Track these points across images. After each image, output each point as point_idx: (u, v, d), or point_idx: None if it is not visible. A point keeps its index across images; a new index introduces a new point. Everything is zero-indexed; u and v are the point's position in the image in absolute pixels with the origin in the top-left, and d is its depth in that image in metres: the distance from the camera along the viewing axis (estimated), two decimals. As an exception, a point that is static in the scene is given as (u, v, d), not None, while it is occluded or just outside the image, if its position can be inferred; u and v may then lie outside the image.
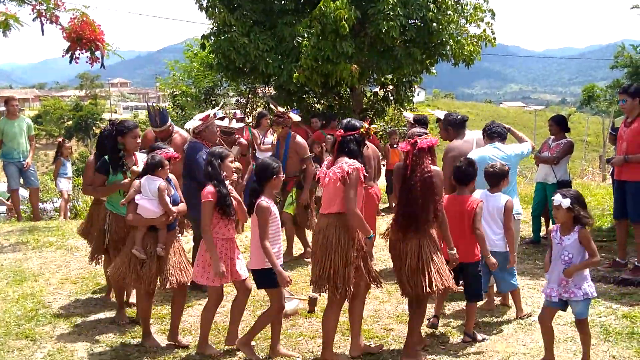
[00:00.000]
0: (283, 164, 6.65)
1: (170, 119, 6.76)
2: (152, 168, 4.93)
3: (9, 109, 9.92)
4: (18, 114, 10.20)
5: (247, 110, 16.67)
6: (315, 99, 14.35)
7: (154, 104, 6.64)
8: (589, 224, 4.42)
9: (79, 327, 5.50)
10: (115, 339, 5.23)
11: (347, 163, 4.43)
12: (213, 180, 4.74)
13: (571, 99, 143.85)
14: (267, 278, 4.65)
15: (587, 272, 4.54)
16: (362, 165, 4.49)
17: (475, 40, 12.65)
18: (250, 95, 17.23)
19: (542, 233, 8.46)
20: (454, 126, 6.49)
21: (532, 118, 53.69)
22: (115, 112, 74.78)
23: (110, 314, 5.76)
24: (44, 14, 8.76)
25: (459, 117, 6.58)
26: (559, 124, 7.99)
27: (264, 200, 4.61)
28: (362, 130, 4.61)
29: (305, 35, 11.63)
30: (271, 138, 10.35)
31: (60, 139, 11.83)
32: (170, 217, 4.95)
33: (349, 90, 13.39)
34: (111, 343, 5.15)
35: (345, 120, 4.73)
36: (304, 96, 13.78)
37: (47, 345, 5.12)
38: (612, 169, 7.57)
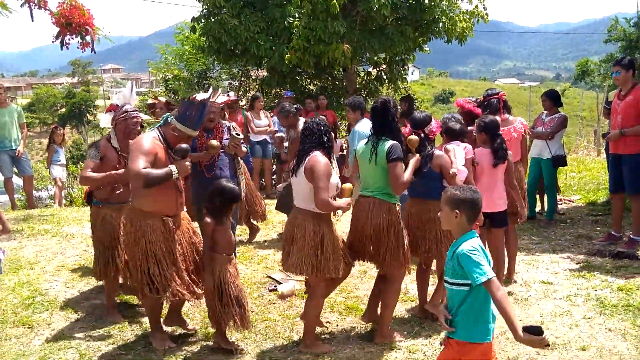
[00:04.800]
0: None
1: None
2: (461, 134, 5.17)
3: None
4: (8, 102, 10.10)
5: (240, 92, 16.56)
6: (308, 80, 14.26)
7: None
8: None
9: (76, 313, 5.49)
10: (112, 324, 5.23)
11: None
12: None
13: (565, 75, 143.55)
14: (505, 217, 5.64)
15: None
16: None
17: (468, 16, 12.54)
18: (243, 78, 17.11)
19: (538, 209, 8.48)
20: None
21: (527, 94, 53.59)
22: (109, 99, 74.32)
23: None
24: (32, -1, 8.66)
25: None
26: (552, 99, 7.96)
27: (510, 155, 5.54)
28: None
29: (296, 15, 11.53)
30: (265, 120, 10.34)
31: (53, 126, 11.75)
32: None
33: (342, 70, 13.31)
34: (109, 329, 5.15)
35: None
36: (297, 77, 13.70)
37: (45, 332, 5.12)
38: (606, 143, 7.57)
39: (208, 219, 4.58)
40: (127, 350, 4.75)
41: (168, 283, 4.48)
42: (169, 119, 4.60)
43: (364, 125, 6.77)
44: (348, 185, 4.55)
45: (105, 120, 5.29)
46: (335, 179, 4.50)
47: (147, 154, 4.32)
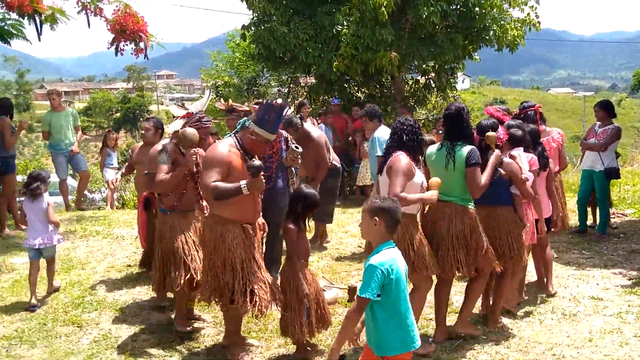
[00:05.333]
0: None
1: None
2: (522, 141, 5.25)
3: (51, 103, 10.17)
4: (63, 106, 10.42)
5: (289, 99, 16.68)
6: (356, 88, 14.26)
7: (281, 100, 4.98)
8: None
9: (123, 313, 5.62)
10: (159, 326, 5.33)
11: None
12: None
13: (622, 85, 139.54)
14: (548, 224, 5.65)
15: None
16: None
17: (519, 24, 12.32)
18: (292, 85, 17.23)
19: (589, 222, 8.25)
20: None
21: (581, 104, 52.35)
22: (162, 104, 76.02)
23: (153, 301, 5.86)
24: (88, 6, 8.95)
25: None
26: (606, 110, 7.74)
27: (551, 163, 5.70)
28: None
29: (345, 23, 11.54)
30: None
31: (106, 131, 12.07)
32: None
33: (390, 78, 13.25)
34: (155, 329, 5.25)
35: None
36: (345, 85, 13.72)
37: (93, 331, 5.26)
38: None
39: (292, 226, 4.54)
40: (171, 351, 4.83)
41: (248, 292, 4.33)
42: (247, 123, 4.49)
43: (382, 132, 7.03)
44: (436, 179, 4.55)
45: (175, 125, 5.21)
46: (419, 178, 4.55)
47: (220, 165, 4.27)
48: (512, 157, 5.01)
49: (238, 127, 4.58)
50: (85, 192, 12.63)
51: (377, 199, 3.42)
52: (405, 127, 4.62)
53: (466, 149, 4.61)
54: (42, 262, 6.06)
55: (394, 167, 4.46)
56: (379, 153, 6.83)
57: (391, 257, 3.27)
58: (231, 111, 6.98)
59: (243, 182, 4.21)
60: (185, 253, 4.96)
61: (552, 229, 5.78)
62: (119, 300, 5.97)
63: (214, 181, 4.21)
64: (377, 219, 3.33)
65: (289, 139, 6.17)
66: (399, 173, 4.41)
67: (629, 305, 5.45)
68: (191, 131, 4.93)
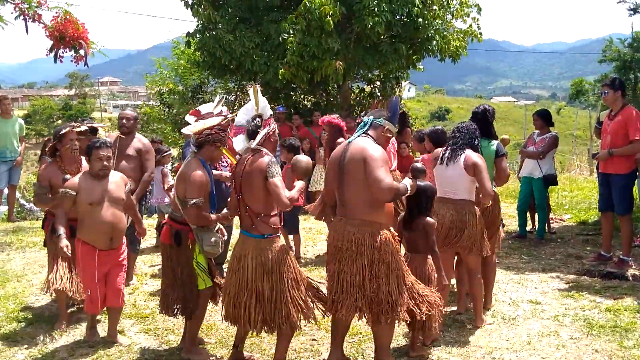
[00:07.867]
0: None
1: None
2: None
3: (2, 108, 9.81)
4: (12, 113, 10.09)
5: (235, 107, 16.59)
6: (302, 96, 14.30)
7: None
8: None
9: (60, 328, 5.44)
10: (97, 340, 5.18)
11: None
12: None
13: (561, 94, 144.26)
14: None
15: None
16: None
17: (462, 35, 12.64)
18: (238, 93, 17.16)
19: (529, 227, 8.48)
20: None
21: (523, 113, 53.77)
22: (105, 111, 74.45)
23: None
24: (26, 12, 8.69)
25: None
26: (544, 118, 8.00)
27: None
28: None
29: (291, 31, 11.58)
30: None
31: (45, 139, 11.72)
32: None
33: (336, 86, 13.35)
34: (92, 343, 5.10)
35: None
36: (291, 93, 13.73)
37: (28, 346, 5.07)
38: (597, 162, 7.59)
39: (432, 220, 4.71)
40: (110, 366, 4.71)
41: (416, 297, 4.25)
42: (380, 122, 4.28)
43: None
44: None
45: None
46: None
47: (386, 164, 4.06)
48: None
49: (366, 126, 4.31)
50: (23, 201, 12.26)
51: None
52: (467, 129, 5.15)
53: (494, 143, 5.43)
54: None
55: (477, 165, 4.94)
56: None
57: None
58: (94, 132, 6.24)
59: (409, 183, 4.20)
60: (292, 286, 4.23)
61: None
62: (57, 314, 5.74)
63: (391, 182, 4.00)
64: None
65: None
66: (484, 170, 4.95)
67: (565, 309, 5.61)
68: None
